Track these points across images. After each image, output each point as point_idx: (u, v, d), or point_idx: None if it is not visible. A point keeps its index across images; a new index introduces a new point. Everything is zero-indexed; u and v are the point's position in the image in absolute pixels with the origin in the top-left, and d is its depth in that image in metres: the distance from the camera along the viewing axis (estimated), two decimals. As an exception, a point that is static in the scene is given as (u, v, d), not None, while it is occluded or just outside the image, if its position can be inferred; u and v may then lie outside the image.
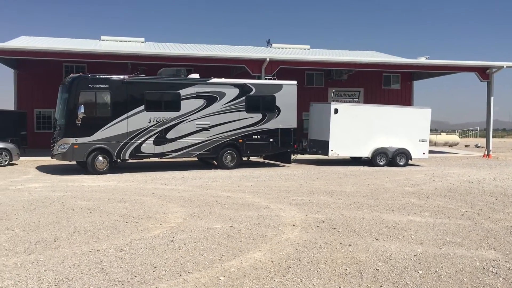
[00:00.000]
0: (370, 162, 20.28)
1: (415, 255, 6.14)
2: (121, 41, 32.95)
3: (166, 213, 8.85)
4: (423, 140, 20.58)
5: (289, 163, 19.68)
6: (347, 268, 5.52)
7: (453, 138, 37.23)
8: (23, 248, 6.31)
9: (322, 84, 31.81)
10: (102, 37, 32.99)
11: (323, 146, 20.01)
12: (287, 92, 18.58)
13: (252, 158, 20.39)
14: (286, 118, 18.50)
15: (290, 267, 5.55)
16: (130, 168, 17.46)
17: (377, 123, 20.19)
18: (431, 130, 22.39)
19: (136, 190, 12.09)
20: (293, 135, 18.80)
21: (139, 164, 18.85)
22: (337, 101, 28.29)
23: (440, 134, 39.29)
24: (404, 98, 33.16)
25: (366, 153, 20.20)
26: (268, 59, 23.53)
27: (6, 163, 17.73)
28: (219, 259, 5.83)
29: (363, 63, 26.34)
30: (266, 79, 18.92)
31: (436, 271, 5.53)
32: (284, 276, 5.23)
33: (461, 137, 47.82)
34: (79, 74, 15.63)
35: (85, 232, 7.23)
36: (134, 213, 8.79)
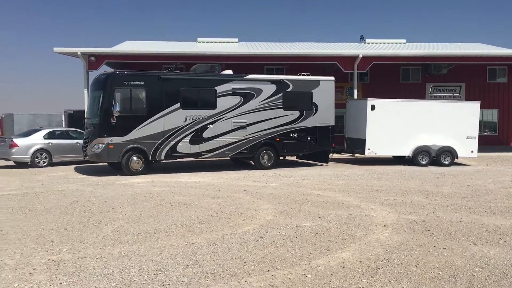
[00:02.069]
0: (411, 161, 19.17)
1: (517, 262, 5.74)
2: (216, 42, 34.07)
3: (256, 210, 9.08)
4: (471, 137, 18.99)
5: (327, 163, 18.74)
6: (440, 272, 5.31)
7: None
8: (127, 238, 6.85)
9: (419, 79, 30.41)
10: (198, 39, 34.32)
11: (359, 145, 19.07)
12: (325, 88, 17.83)
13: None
14: (324, 116, 17.75)
15: (379, 268, 5.46)
16: (218, 167, 18.07)
17: (418, 119, 18.93)
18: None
19: (229, 186, 12.52)
20: (331, 133, 18.00)
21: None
22: (435, 97, 26.92)
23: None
24: (512, 92, 30.73)
25: (406, 151, 19.02)
26: (360, 56, 23.08)
27: (44, 164, 17.71)
28: (307, 257, 5.90)
29: (465, 56, 24.82)
30: (301, 75, 17.92)
31: (541, 280, 5.13)
32: (372, 277, 5.16)
33: None
34: (113, 71, 14.70)
35: (182, 226, 7.67)
36: (226, 209, 9.14)
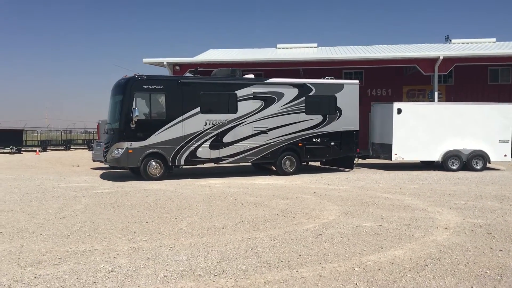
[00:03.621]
0: (440, 166, 18.20)
1: None
2: (296, 47, 34.65)
3: (321, 210, 9.49)
4: (504, 141, 17.81)
5: (352, 169, 18.22)
6: (488, 271, 5.42)
7: None
8: (198, 232, 7.61)
9: (509, 80, 28.84)
10: (278, 45, 35.09)
11: (386, 150, 18.42)
12: (348, 92, 17.34)
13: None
14: (348, 120, 17.26)
15: (427, 265, 5.68)
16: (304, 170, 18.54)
17: (448, 122, 18.04)
18: None
19: (299, 188, 13.00)
20: (356, 138, 17.43)
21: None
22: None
23: None
24: None
25: (435, 156, 18.20)
26: (441, 57, 22.52)
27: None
28: (359, 253, 6.25)
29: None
30: (325, 78, 17.57)
31: None
32: (418, 272, 5.41)
33: None
34: (133, 75, 14.99)
35: (248, 223, 8.30)
36: (293, 209, 9.64)
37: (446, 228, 7.79)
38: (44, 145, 41.89)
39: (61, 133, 50.54)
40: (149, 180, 14.74)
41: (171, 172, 15.65)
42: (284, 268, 5.65)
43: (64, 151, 40.44)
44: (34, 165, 23.21)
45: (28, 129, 47.47)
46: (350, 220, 8.47)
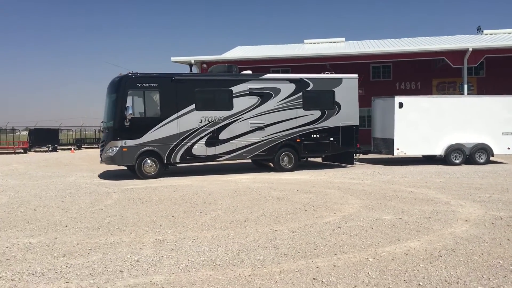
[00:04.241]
0: (443, 160, 17.84)
1: None
2: (323, 42, 34.62)
3: (343, 204, 9.63)
4: (508, 133, 17.47)
5: (352, 164, 17.95)
6: (501, 262, 5.49)
7: None
8: (220, 225, 7.89)
9: (544, 71, 28.06)
10: (305, 41, 35.13)
11: (387, 145, 18.07)
12: (347, 87, 17.04)
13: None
14: (347, 115, 16.98)
15: (441, 256, 5.79)
16: (318, 165, 18.63)
17: (450, 116, 17.67)
18: None
19: (324, 183, 13.14)
20: (356, 133, 17.13)
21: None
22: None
23: None
24: None
25: (438, 150, 17.85)
26: (470, 49, 22.15)
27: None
28: (375, 245, 6.39)
29: None
30: (325, 73, 17.27)
31: None
32: (431, 262, 5.53)
33: None
34: (127, 73, 14.90)
35: (270, 216, 8.54)
36: (315, 203, 9.82)
37: (466, 220, 7.83)
38: (79, 143, 43.20)
39: (95, 131, 51.95)
40: (144, 179, 14.65)
41: (167, 170, 15.71)
42: (300, 258, 5.86)
43: (98, 149, 41.56)
44: (69, 162, 24.08)
45: (64, 128, 48.98)
46: (371, 213, 8.59)
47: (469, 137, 17.79)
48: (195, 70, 24.03)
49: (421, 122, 17.75)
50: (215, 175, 15.71)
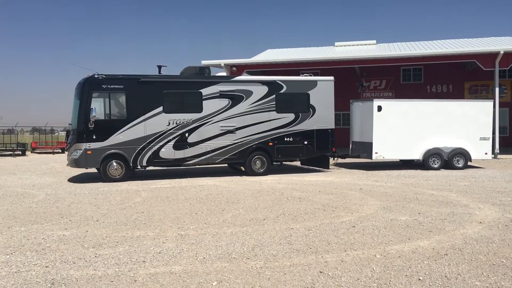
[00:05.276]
0: (422, 165, 17.57)
1: None
2: (354, 45, 34.55)
3: (361, 205, 9.88)
4: (485, 138, 17.26)
5: (328, 168, 17.47)
6: (504, 261, 5.67)
7: None
8: (240, 223, 8.30)
9: None
10: (336, 43, 35.15)
11: (366, 149, 17.75)
12: (323, 89, 16.64)
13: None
14: (323, 118, 16.59)
15: (447, 254, 6.01)
16: (347, 166, 18.76)
17: (428, 120, 17.41)
18: None
19: (347, 185, 13.37)
20: (331, 137, 16.74)
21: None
22: None
23: None
24: None
25: (416, 155, 17.61)
26: (502, 52, 21.87)
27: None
28: (385, 243, 6.65)
29: None
30: (303, 75, 16.98)
31: None
32: (435, 260, 5.76)
33: None
34: (92, 74, 14.65)
35: (289, 215, 8.88)
36: (334, 203, 10.10)
37: (480, 222, 7.97)
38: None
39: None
40: (109, 182, 14.43)
41: (134, 173, 15.51)
42: (311, 254, 6.19)
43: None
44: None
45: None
46: (387, 214, 8.82)
47: (447, 142, 17.58)
48: (224, 73, 24.56)
49: (399, 126, 17.52)
50: (241, 176, 16.13)
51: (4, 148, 31.17)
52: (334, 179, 14.95)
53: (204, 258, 6.10)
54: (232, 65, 24.48)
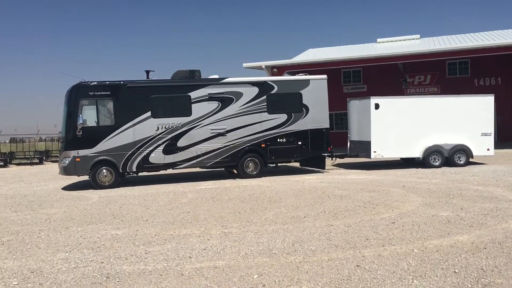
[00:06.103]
0: (422, 163, 16.96)
1: None
2: (396, 41, 34.08)
3: (403, 202, 9.92)
4: (486, 134, 16.52)
5: (323, 168, 16.99)
6: (544, 254, 5.66)
7: None
8: (282, 220, 8.57)
9: None
10: (378, 40, 34.75)
11: (364, 148, 17.16)
12: (316, 88, 16.22)
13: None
14: (317, 118, 16.14)
15: (485, 248, 6.04)
16: (388, 165, 18.63)
17: (428, 117, 16.80)
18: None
19: (390, 182, 13.37)
20: (326, 136, 16.27)
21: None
22: None
23: None
24: None
25: (416, 153, 16.98)
26: (553, 41, 20.96)
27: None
28: (424, 238, 6.74)
29: None
30: (299, 75, 16.63)
31: None
32: (473, 254, 5.82)
33: None
34: (78, 82, 14.66)
35: (329, 213, 9.07)
36: (375, 201, 10.19)
37: (524, 217, 7.87)
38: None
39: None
40: (100, 189, 14.34)
41: (125, 179, 15.54)
42: (349, 249, 6.38)
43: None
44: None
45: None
46: (429, 210, 8.84)
47: (447, 139, 17.02)
48: (265, 75, 24.91)
49: (398, 123, 17.05)
50: (284, 175, 16.37)
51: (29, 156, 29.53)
52: (378, 177, 14.94)
53: (246, 253, 6.41)
54: (273, 67, 24.78)
